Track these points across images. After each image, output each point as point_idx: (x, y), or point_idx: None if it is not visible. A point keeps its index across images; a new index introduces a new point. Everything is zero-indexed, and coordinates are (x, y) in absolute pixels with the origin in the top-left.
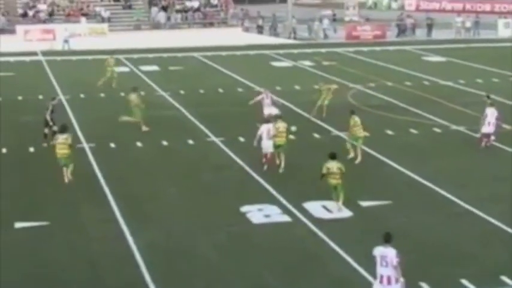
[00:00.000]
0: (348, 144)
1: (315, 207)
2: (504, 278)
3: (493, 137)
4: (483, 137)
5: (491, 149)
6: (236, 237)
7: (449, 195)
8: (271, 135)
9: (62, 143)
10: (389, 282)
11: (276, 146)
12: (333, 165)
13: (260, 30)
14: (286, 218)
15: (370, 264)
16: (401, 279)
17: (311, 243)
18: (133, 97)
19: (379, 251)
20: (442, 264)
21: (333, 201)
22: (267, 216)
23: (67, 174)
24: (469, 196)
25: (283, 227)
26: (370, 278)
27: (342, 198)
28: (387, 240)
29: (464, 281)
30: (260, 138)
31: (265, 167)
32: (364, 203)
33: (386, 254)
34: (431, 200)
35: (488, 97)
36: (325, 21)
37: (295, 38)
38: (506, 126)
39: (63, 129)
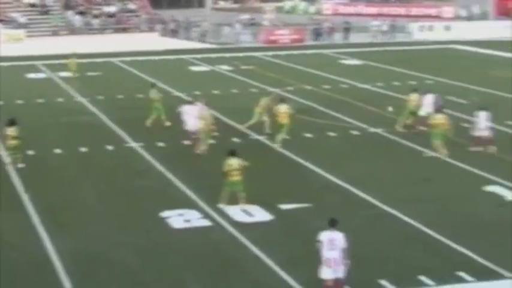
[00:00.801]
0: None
1: (235, 211)
2: (423, 278)
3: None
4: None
5: (410, 150)
6: (156, 242)
7: (368, 197)
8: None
9: None
10: (336, 264)
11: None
12: (234, 162)
13: (174, 34)
14: (206, 223)
15: (291, 267)
16: (347, 261)
17: (232, 247)
18: (154, 93)
19: (326, 235)
20: (361, 265)
21: (241, 201)
22: (187, 221)
23: None
24: (388, 197)
25: (204, 232)
26: (291, 281)
27: (243, 197)
28: (333, 224)
29: (383, 282)
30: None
31: (189, 142)
32: (284, 206)
33: (334, 237)
34: (351, 202)
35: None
36: (237, 26)
37: (204, 42)
38: (423, 128)
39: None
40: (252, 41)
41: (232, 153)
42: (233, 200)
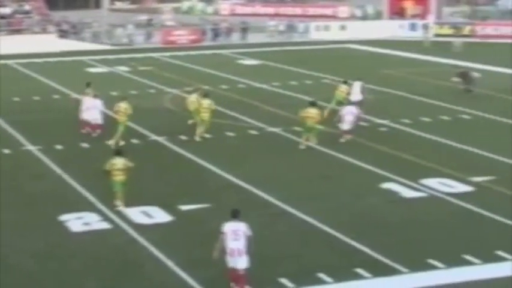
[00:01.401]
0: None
1: (135, 213)
2: (321, 275)
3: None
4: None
5: (308, 149)
6: (55, 246)
7: (266, 196)
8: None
9: None
10: (240, 254)
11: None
12: (118, 162)
13: (67, 35)
14: (106, 225)
15: (191, 267)
16: (253, 249)
17: (132, 250)
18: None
19: (230, 226)
20: (261, 264)
21: (117, 200)
22: (86, 224)
23: None
24: (286, 196)
25: (103, 234)
26: (191, 282)
27: (122, 197)
28: (236, 215)
29: (283, 280)
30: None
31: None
32: (184, 207)
33: (238, 228)
34: (249, 201)
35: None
36: (129, 27)
37: (101, 43)
38: (320, 127)
39: None
40: (144, 42)
41: (118, 153)
42: (132, 201)
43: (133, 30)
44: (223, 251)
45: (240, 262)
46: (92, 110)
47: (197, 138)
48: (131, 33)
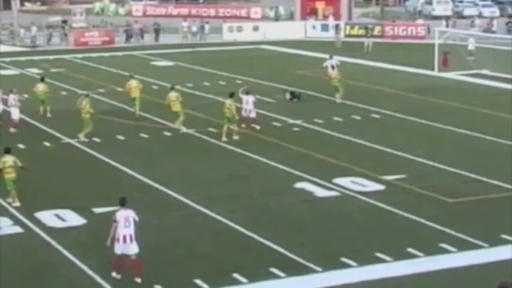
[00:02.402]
0: None
1: (47, 216)
2: (236, 276)
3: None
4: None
5: (223, 150)
6: None
7: (181, 197)
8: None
9: None
10: (131, 240)
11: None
12: (8, 159)
13: None
14: (18, 229)
15: (105, 270)
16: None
17: (45, 253)
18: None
19: (121, 214)
20: (175, 265)
21: (10, 197)
22: None
23: None
24: (200, 197)
25: (16, 239)
26: (105, 285)
27: (15, 195)
28: (123, 203)
29: (198, 281)
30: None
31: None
32: (98, 210)
33: (128, 215)
34: (164, 203)
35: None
36: (33, 29)
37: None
38: (234, 128)
39: None
40: (42, 44)
41: (7, 151)
42: (45, 205)
43: (35, 32)
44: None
45: (132, 248)
46: None
47: (177, 125)
48: (34, 35)
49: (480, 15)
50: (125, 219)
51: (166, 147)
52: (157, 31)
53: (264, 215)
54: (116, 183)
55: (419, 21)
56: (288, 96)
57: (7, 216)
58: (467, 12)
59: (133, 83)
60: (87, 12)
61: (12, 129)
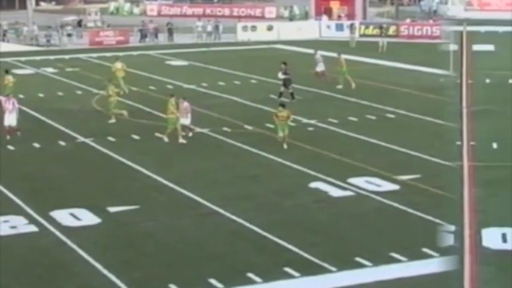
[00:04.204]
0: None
1: (62, 215)
2: (250, 275)
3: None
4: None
5: (236, 149)
6: None
7: (195, 197)
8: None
9: None
10: None
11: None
12: None
13: None
14: (33, 228)
15: (120, 269)
16: None
17: (60, 252)
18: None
19: None
20: (190, 265)
21: None
22: (13, 227)
23: None
24: (215, 197)
25: (31, 238)
26: (120, 284)
27: None
28: None
29: (212, 281)
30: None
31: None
32: (112, 209)
33: None
34: (178, 202)
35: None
36: (35, 28)
37: (38, 45)
38: (248, 127)
39: None
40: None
41: None
42: (60, 204)
43: (38, 31)
44: None
45: None
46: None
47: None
48: (37, 34)
49: None
50: None
51: (180, 146)
52: (170, 31)
53: (278, 215)
54: (130, 183)
55: (440, 22)
56: (280, 75)
57: (22, 215)
58: None
59: (118, 65)
60: (102, 11)
61: (8, 136)
